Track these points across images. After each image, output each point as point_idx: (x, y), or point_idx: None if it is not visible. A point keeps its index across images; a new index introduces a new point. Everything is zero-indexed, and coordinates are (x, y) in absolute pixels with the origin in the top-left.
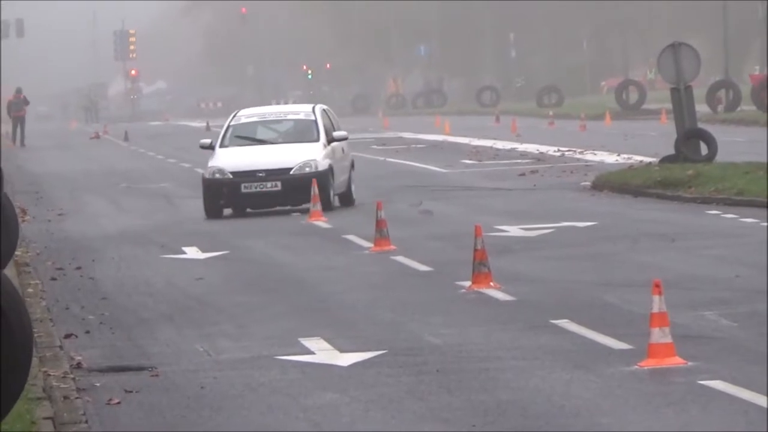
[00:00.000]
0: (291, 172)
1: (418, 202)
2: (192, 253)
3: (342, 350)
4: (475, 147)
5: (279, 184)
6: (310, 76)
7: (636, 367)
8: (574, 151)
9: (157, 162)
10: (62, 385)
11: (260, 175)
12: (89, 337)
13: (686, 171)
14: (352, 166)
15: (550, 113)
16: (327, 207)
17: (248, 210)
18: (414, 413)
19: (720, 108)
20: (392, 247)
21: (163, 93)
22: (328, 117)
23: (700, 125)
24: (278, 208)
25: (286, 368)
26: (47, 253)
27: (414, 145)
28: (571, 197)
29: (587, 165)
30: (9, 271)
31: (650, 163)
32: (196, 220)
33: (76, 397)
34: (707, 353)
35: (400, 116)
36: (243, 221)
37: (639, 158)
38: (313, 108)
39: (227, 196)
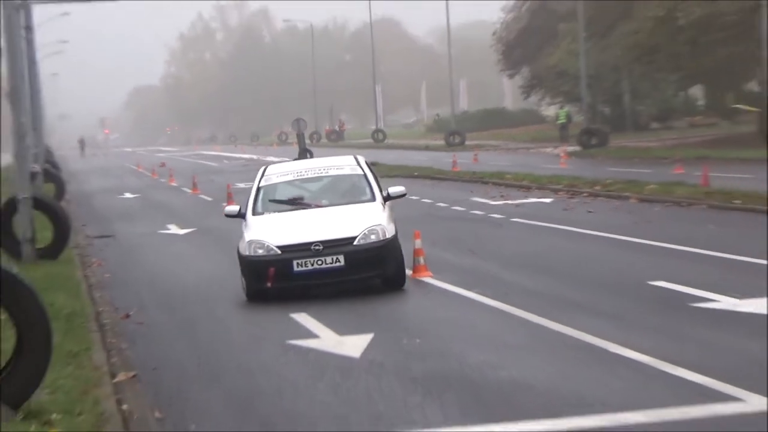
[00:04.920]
0: (354, 243)
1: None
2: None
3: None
4: (248, 159)
5: (342, 258)
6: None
7: None
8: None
9: (118, 165)
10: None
11: (316, 248)
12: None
13: None
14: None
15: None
16: (399, 284)
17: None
18: None
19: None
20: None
21: (118, 140)
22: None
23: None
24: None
25: (174, 237)
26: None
27: (234, 160)
28: None
29: None
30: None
31: None
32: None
33: (91, 257)
34: None
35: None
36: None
37: None
38: (356, 159)
39: (276, 278)
